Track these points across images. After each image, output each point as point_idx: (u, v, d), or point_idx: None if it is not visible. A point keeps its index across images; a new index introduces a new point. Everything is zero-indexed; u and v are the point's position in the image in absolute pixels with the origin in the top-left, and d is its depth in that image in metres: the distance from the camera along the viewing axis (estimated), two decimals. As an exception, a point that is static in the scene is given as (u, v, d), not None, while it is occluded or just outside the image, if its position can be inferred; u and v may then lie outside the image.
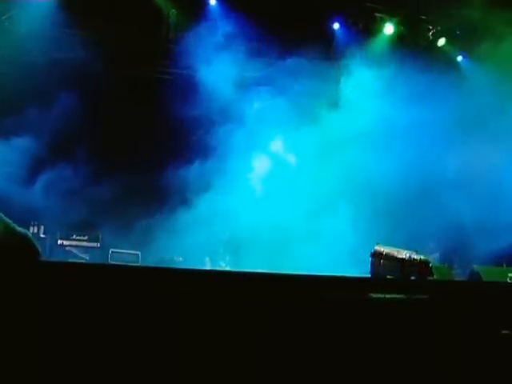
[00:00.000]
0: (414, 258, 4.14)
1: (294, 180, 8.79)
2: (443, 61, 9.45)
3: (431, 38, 9.73)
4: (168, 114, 8.45)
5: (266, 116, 8.76)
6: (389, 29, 9.54)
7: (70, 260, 7.91)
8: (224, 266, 8.43)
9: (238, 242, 8.27)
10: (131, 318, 1.84)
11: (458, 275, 7.90)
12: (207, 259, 8.39)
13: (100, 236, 8.47)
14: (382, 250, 4.39)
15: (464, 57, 9.86)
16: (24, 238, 2.46)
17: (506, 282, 5.61)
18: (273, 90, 8.69)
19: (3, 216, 2.37)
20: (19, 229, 2.47)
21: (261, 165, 8.97)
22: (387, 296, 2.07)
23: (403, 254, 4.22)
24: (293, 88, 8.55)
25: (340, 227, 8.15)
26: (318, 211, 8.35)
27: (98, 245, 8.45)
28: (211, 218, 8.19)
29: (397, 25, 9.53)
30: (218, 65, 8.52)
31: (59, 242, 8.32)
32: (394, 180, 7.98)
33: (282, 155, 9.08)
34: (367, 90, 9.30)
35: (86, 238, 8.44)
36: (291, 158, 9.03)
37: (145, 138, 8.88)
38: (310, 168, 8.76)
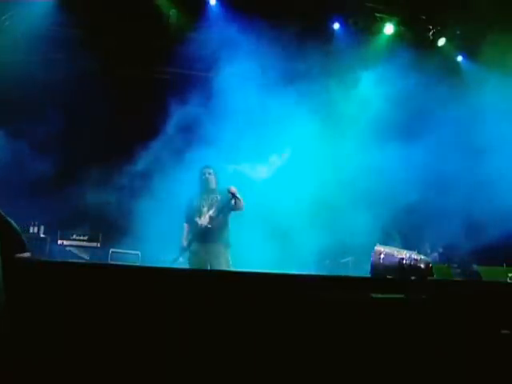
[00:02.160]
0: (414, 258, 4.14)
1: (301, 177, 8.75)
2: (443, 61, 9.48)
3: (431, 37, 9.74)
4: (167, 114, 8.46)
5: (268, 115, 8.76)
6: (389, 29, 9.57)
7: (69, 260, 7.91)
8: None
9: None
10: (131, 318, 1.84)
11: (458, 275, 7.90)
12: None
13: (100, 236, 8.48)
14: (381, 249, 4.39)
15: (464, 57, 9.91)
16: (8, 227, 2.31)
17: (506, 282, 5.59)
18: (273, 89, 8.69)
19: None
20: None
21: (272, 160, 8.88)
22: (387, 296, 2.07)
23: (403, 253, 4.21)
24: (294, 87, 8.56)
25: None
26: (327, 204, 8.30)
27: (98, 245, 8.46)
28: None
29: (397, 25, 9.56)
30: (218, 64, 8.53)
31: (59, 241, 8.33)
32: (397, 178, 8.04)
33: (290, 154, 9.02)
34: (369, 90, 9.34)
35: (85, 238, 8.45)
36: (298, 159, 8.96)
37: (145, 137, 8.88)
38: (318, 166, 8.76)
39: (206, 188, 6.42)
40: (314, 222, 8.04)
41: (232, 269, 5.88)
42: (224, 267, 5.89)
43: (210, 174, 6.43)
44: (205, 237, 6.04)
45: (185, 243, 6.17)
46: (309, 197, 8.24)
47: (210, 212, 6.16)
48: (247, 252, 7.28)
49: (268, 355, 1.89)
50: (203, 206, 6.24)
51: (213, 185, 6.43)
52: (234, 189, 6.09)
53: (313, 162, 8.76)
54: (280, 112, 8.67)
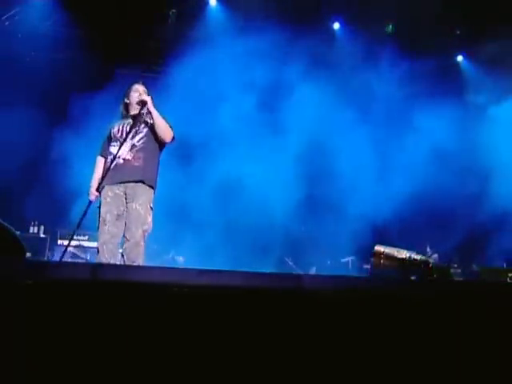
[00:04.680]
0: (414, 258, 4.15)
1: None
2: (443, 61, 9.51)
3: (431, 37, 9.76)
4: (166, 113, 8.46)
5: (268, 113, 8.79)
6: (388, 29, 9.59)
7: (69, 260, 7.92)
8: None
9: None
10: (131, 318, 1.84)
11: (458, 275, 7.92)
12: None
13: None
14: (381, 249, 4.40)
15: (464, 57, 9.95)
16: (5, 233, 2.29)
17: (506, 282, 5.61)
18: (273, 89, 8.71)
19: None
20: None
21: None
22: (387, 296, 2.07)
23: (403, 253, 4.22)
24: (294, 87, 8.58)
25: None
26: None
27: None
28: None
29: (397, 25, 9.58)
30: (218, 64, 8.54)
31: (59, 242, 8.33)
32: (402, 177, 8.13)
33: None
34: (368, 90, 9.38)
35: (86, 238, 8.45)
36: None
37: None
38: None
39: (131, 109, 4.68)
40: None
41: (150, 212, 4.33)
42: (140, 213, 4.25)
43: (138, 91, 4.68)
44: (123, 173, 4.34)
45: (94, 184, 4.47)
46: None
47: (134, 140, 4.45)
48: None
49: (267, 355, 1.89)
50: (127, 133, 4.47)
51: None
52: (141, 97, 4.51)
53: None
54: (279, 109, 8.72)
